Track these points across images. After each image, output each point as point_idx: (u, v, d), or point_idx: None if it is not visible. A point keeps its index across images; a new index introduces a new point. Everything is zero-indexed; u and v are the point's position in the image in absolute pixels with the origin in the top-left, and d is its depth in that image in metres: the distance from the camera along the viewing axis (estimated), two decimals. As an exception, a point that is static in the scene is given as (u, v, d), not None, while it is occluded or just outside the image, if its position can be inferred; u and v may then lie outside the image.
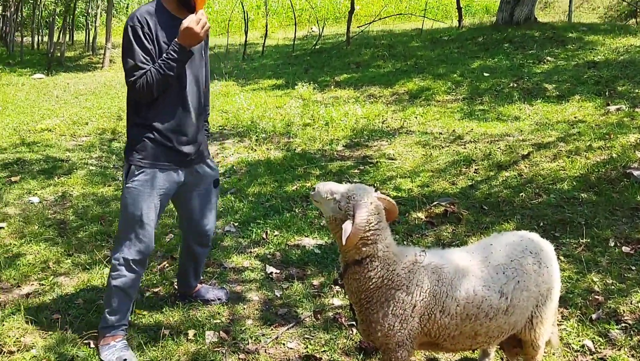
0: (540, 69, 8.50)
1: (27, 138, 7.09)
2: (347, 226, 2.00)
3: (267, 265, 3.66)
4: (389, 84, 8.86)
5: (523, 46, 9.77)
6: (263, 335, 2.94)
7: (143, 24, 2.54)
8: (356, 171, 5.35)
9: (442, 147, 5.83)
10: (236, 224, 4.32)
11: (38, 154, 6.39)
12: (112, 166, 5.97)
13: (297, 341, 2.90)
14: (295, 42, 13.52)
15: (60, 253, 3.90)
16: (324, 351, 2.81)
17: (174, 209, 3.36)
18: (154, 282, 3.50)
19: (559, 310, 2.89)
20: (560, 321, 2.90)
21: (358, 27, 14.02)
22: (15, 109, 9.08)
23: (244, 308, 3.20)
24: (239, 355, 2.78)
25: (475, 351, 2.69)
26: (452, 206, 4.32)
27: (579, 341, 2.78)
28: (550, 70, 8.36)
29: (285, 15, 19.59)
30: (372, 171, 5.29)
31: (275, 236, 4.08)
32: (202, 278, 3.47)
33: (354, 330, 2.91)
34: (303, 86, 8.97)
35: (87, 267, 3.68)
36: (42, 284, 3.49)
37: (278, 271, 3.59)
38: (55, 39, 15.57)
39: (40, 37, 18.60)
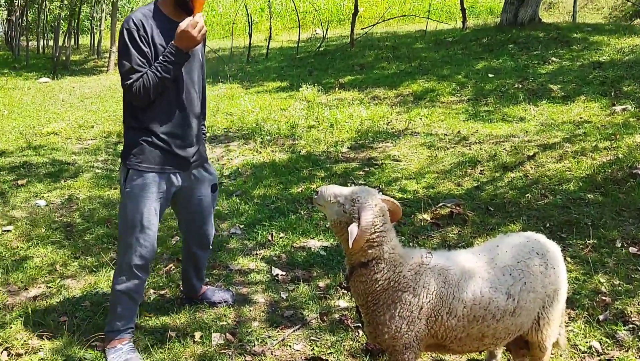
0: (545, 69, 8.48)
1: (33, 142, 7.12)
2: (353, 229, 2.00)
3: (272, 267, 3.67)
4: (393, 86, 8.86)
5: (527, 47, 9.75)
6: (269, 337, 2.94)
7: (139, 26, 2.52)
8: (361, 172, 5.35)
9: (447, 149, 5.82)
10: (242, 226, 4.33)
11: (44, 157, 6.42)
12: (117, 169, 5.99)
13: (303, 343, 2.90)
14: (300, 45, 13.54)
15: (67, 255, 3.92)
16: (330, 353, 2.81)
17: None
18: (160, 284, 3.51)
19: (566, 311, 2.88)
20: (567, 323, 2.89)
21: (362, 29, 14.03)
22: (21, 112, 9.13)
23: (250, 310, 3.21)
24: (245, 357, 2.79)
25: (482, 353, 2.68)
26: (457, 208, 4.31)
27: (586, 342, 2.77)
28: (555, 70, 8.34)
29: (289, 18, 19.62)
30: (377, 173, 5.29)
31: (280, 238, 4.09)
32: (207, 280, 3.49)
33: (360, 332, 2.91)
34: (307, 88, 8.98)
35: (94, 270, 3.70)
36: (49, 287, 3.50)
37: (284, 273, 3.59)
38: (60, 43, 15.65)
39: (45, 41, 18.71)
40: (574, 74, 8.01)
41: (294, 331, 2.99)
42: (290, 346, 2.88)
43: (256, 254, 3.88)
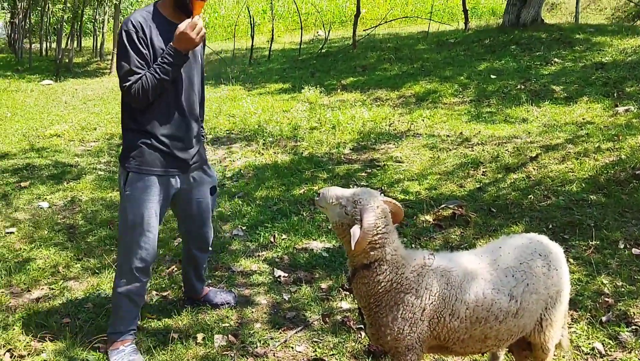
0: (547, 70, 8.47)
1: (36, 144, 7.14)
2: (356, 231, 2.00)
3: (275, 269, 3.67)
4: (395, 87, 8.86)
5: (530, 48, 9.74)
6: (271, 339, 2.94)
7: (137, 28, 2.52)
8: (363, 174, 5.35)
9: (450, 150, 5.82)
10: (244, 227, 4.33)
11: (47, 159, 6.43)
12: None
13: (305, 344, 2.90)
14: (302, 46, 13.54)
15: (70, 257, 3.93)
16: (333, 354, 2.81)
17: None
18: (163, 286, 3.52)
19: (568, 313, 2.87)
20: (570, 324, 2.88)
21: (364, 30, 14.03)
22: (24, 115, 9.15)
23: (253, 312, 3.21)
24: (247, 358, 2.79)
25: (485, 354, 2.68)
26: (460, 209, 4.31)
27: (589, 343, 2.76)
28: (558, 71, 8.33)
29: (291, 20, 19.62)
30: (379, 174, 5.29)
31: (283, 239, 4.09)
32: (210, 281, 3.49)
33: (363, 334, 2.90)
34: (310, 89, 8.98)
35: (97, 271, 3.70)
36: (52, 289, 3.51)
37: (286, 275, 3.59)
38: (63, 46, 15.68)
39: (48, 44, 18.74)
40: (577, 75, 8.00)
41: (296, 332, 2.99)
42: (292, 347, 2.88)
43: (258, 255, 3.89)
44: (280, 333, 3.00)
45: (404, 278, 2.11)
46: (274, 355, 2.81)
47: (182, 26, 2.50)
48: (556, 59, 8.86)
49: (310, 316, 3.13)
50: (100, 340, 2.88)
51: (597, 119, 6.20)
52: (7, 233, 4.35)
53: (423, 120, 7.03)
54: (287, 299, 3.32)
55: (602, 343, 2.76)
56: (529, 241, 2.30)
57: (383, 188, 4.90)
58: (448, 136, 6.32)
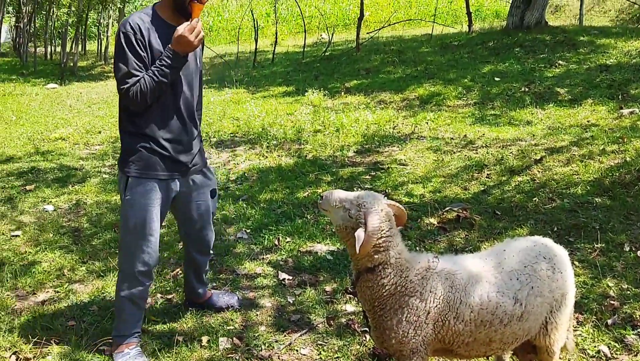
0: (551, 73, 8.46)
1: (41, 147, 7.17)
2: (360, 234, 2.00)
3: (279, 271, 3.67)
4: (399, 90, 8.86)
5: (534, 50, 9.73)
6: (276, 341, 2.94)
7: (135, 30, 2.50)
8: (367, 177, 5.35)
9: (454, 153, 5.81)
10: (248, 230, 4.34)
11: (52, 162, 6.46)
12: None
13: (310, 347, 2.90)
14: (305, 49, 13.57)
15: (75, 260, 3.94)
16: (337, 357, 2.80)
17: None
18: (167, 288, 3.52)
19: (574, 316, 2.86)
20: (575, 327, 2.87)
21: (367, 33, 14.06)
22: (29, 118, 9.19)
23: (257, 315, 3.21)
24: (252, 361, 2.79)
25: (490, 357, 2.67)
26: (464, 212, 4.30)
27: (595, 346, 2.75)
28: (562, 74, 8.32)
29: (294, 23, 19.67)
30: (383, 177, 5.29)
31: (287, 242, 4.09)
32: (214, 284, 3.49)
33: (367, 336, 2.90)
34: (313, 92, 8.99)
35: (102, 274, 3.71)
36: (57, 292, 3.52)
37: (290, 278, 3.60)
38: (67, 49, 15.75)
39: (53, 48, 18.83)
40: (581, 77, 7.98)
41: (300, 335, 2.99)
42: (297, 350, 2.88)
43: (263, 258, 3.89)
44: (285, 335, 3.00)
45: (409, 281, 2.10)
46: (278, 358, 2.81)
47: (181, 29, 2.49)
48: (560, 62, 8.85)
49: (314, 319, 3.13)
50: (105, 343, 2.89)
51: (601, 122, 6.18)
52: (13, 236, 4.36)
53: (427, 123, 7.03)
54: (291, 302, 3.32)
55: (608, 346, 2.75)
56: (534, 243, 2.30)
57: (387, 190, 4.90)
58: (452, 138, 6.32)
